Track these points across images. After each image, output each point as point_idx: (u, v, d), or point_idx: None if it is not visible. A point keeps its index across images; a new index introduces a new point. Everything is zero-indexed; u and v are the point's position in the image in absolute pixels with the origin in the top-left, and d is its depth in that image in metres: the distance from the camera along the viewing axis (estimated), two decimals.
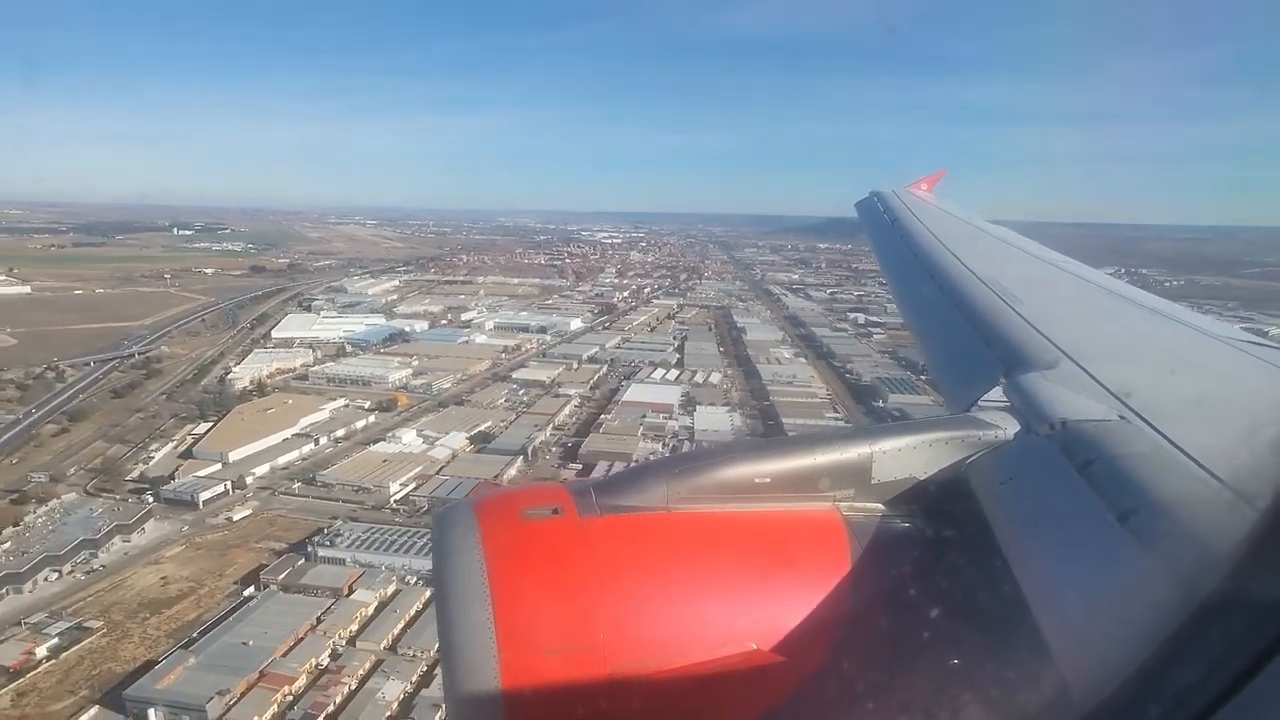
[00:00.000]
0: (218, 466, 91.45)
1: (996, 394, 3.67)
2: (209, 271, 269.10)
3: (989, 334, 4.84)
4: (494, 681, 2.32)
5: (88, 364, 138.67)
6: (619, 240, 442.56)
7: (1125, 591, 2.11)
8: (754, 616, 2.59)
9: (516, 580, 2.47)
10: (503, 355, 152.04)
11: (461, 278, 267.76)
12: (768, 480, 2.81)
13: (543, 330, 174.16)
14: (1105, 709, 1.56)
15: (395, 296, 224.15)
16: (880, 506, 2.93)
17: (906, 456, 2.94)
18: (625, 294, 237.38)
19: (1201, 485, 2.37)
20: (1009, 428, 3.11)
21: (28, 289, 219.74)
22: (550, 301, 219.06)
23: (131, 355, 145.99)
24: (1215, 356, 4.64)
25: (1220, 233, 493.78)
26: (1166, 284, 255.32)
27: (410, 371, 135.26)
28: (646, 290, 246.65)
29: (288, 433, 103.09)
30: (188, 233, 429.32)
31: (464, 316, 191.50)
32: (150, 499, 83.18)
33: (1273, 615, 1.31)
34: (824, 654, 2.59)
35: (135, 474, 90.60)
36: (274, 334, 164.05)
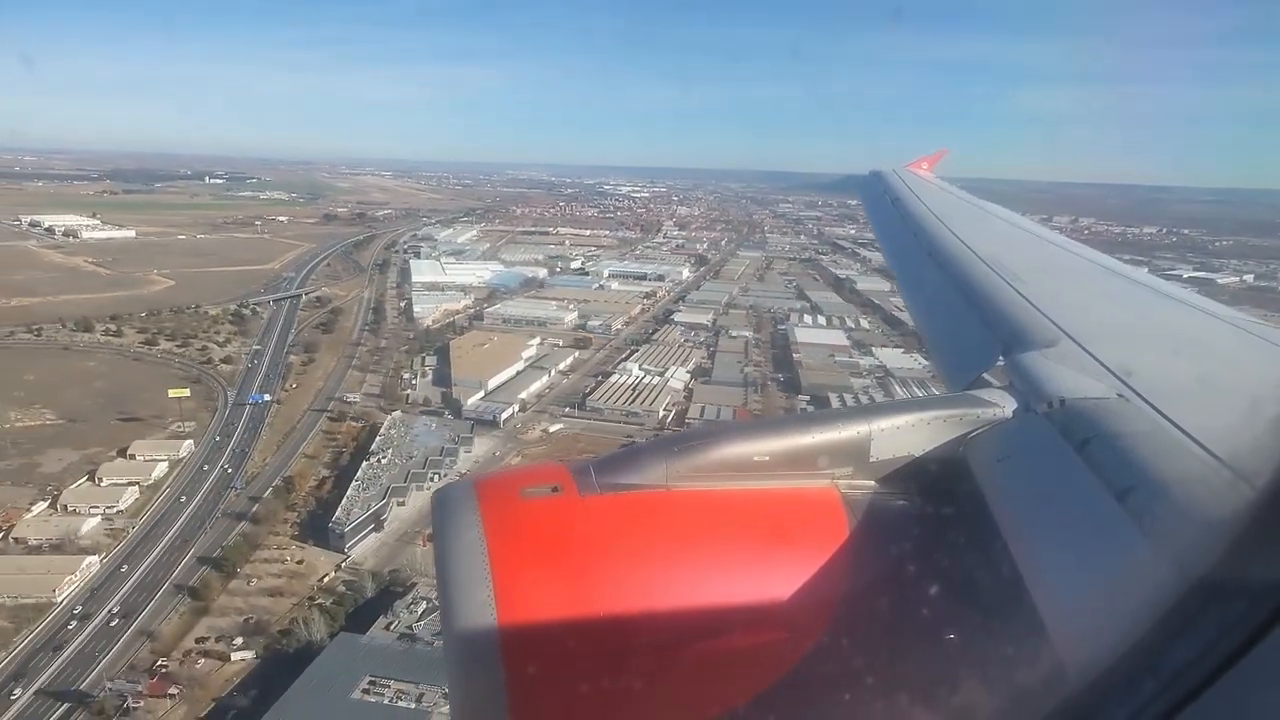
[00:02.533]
0: (481, 393, 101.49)
1: (996, 373, 3.78)
2: (284, 220, 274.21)
3: (989, 313, 4.87)
4: (496, 659, 2.34)
5: (269, 303, 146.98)
6: (646, 195, 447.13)
7: (1122, 569, 2.11)
8: (753, 593, 2.62)
9: (517, 559, 2.50)
10: (644, 300, 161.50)
11: (533, 229, 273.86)
12: (766, 458, 2.84)
13: (660, 278, 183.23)
14: (1101, 685, 1.56)
15: (487, 245, 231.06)
16: (878, 484, 2.98)
17: (904, 435, 3.00)
18: (704, 246, 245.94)
19: (1200, 464, 2.39)
20: (1007, 406, 3.16)
21: (132, 233, 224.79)
22: (638, 252, 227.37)
23: (299, 296, 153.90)
24: (1219, 337, 4.70)
25: (1241, 196, 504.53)
26: (1215, 244, 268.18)
27: (576, 314, 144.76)
28: (722, 243, 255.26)
29: (520, 365, 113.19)
30: (217, 181, 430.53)
31: (572, 265, 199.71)
32: (450, 417, 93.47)
33: (1269, 593, 1.31)
34: (822, 630, 2.64)
35: (410, 396, 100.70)
36: (414, 278, 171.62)
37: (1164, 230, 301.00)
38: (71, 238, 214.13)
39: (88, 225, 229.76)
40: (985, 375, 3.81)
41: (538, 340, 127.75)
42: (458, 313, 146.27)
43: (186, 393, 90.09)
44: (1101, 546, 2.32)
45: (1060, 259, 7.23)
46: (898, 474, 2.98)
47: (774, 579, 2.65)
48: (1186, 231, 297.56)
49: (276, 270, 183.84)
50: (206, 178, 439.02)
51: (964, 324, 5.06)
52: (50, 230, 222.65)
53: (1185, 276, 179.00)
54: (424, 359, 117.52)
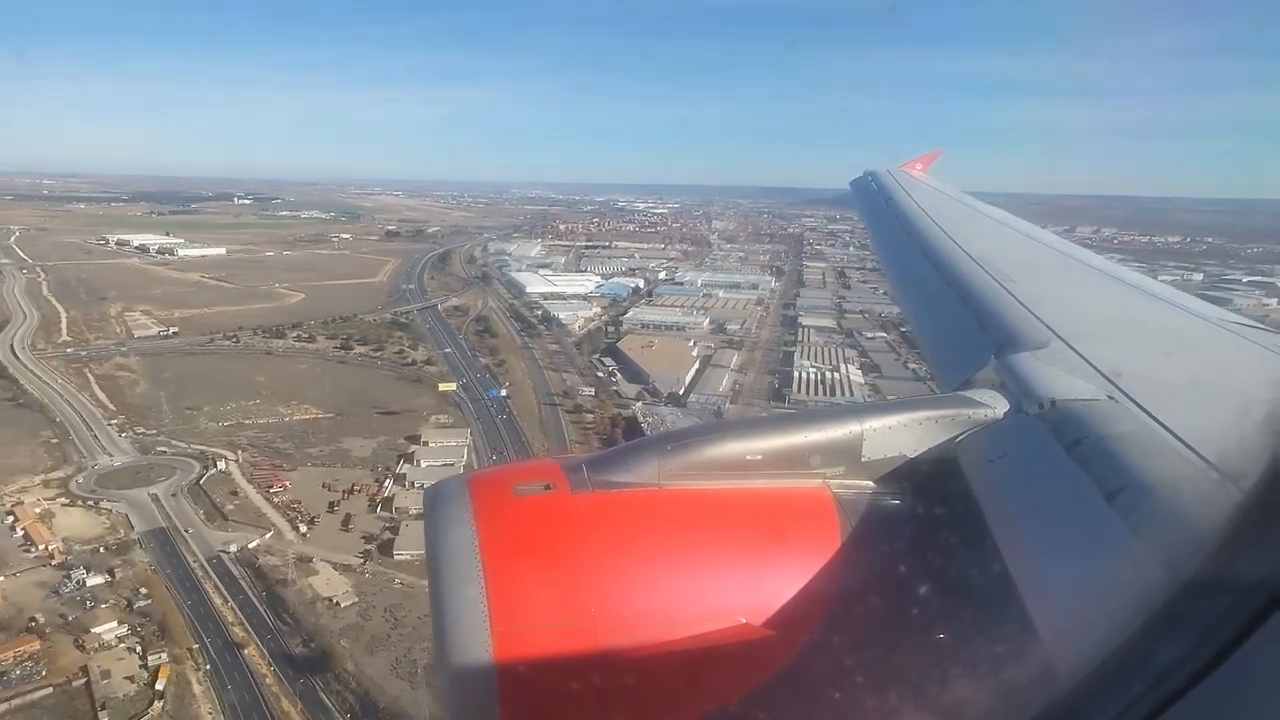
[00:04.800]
0: (681, 388, 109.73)
1: (987, 373, 3.80)
2: (347, 237, 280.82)
3: (981, 313, 4.92)
4: (486, 656, 2.35)
5: (412, 312, 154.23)
6: (665, 211, 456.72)
7: (1110, 569, 2.12)
8: (744, 592, 2.64)
9: (509, 556, 2.51)
10: (757, 307, 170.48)
11: (590, 243, 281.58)
12: (759, 457, 2.87)
13: (754, 287, 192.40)
14: (1090, 683, 1.57)
15: (561, 258, 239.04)
16: (870, 484, 2.99)
17: (896, 434, 3.02)
18: (765, 257, 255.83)
19: (1188, 465, 2.42)
20: (999, 407, 3.21)
21: (223, 251, 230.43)
22: (709, 263, 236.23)
23: (436, 305, 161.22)
24: (1207, 339, 4.76)
25: (1242, 205, 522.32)
26: (1246, 250, 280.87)
27: (707, 319, 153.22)
28: (781, 254, 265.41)
29: (696, 363, 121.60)
30: (245, 202, 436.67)
31: (660, 276, 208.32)
32: (676, 408, 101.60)
33: (1255, 593, 1.32)
34: (813, 629, 2.65)
35: (618, 391, 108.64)
36: (529, 289, 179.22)
37: (1188, 239, 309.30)
38: (168, 255, 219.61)
39: (176, 244, 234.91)
40: (977, 375, 3.88)
41: (692, 342, 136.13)
42: (593, 319, 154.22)
43: (454, 386, 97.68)
44: (1091, 546, 2.35)
45: (1050, 259, 7.31)
46: (890, 474, 3.04)
47: (766, 578, 2.70)
48: (1210, 240, 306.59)
49: (385, 283, 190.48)
50: (235, 198, 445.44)
51: (956, 324, 5.14)
52: (143, 249, 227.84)
53: (1245, 281, 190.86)
54: (599, 359, 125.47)
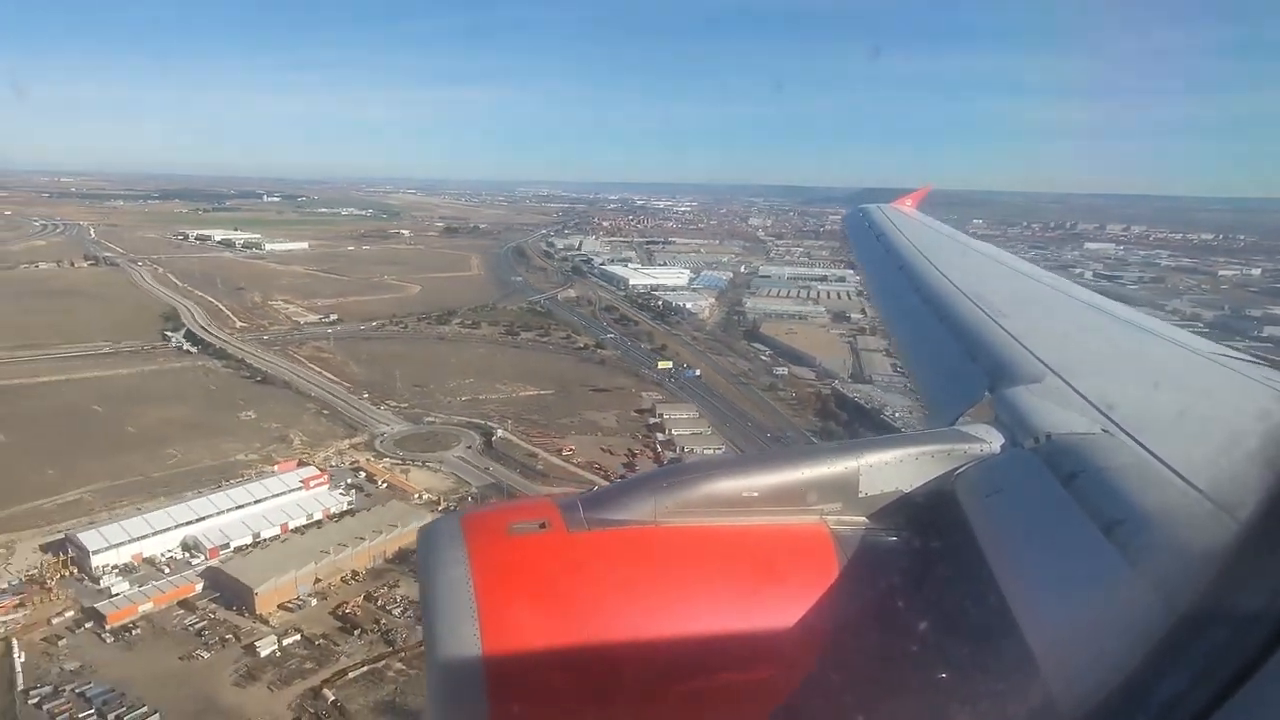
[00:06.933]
0: (848, 371, 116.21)
1: (982, 407, 3.84)
2: (408, 233, 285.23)
3: (974, 348, 4.98)
4: (481, 697, 2.32)
5: (541, 301, 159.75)
6: (689, 210, 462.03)
7: (1111, 603, 2.11)
8: (742, 630, 2.61)
9: (503, 595, 2.48)
10: (860, 298, 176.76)
11: (647, 239, 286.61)
12: (755, 494, 2.86)
13: (842, 279, 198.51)
14: (1091, 719, 1.55)
15: (631, 254, 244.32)
16: (867, 520, 2.99)
17: (893, 470, 3.02)
18: (826, 253, 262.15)
19: (1184, 497, 2.43)
20: (994, 441, 3.22)
21: (305, 245, 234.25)
22: (776, 257, 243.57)
23: (554, 297, 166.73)
24: (1197, 371, 4.83)
25: (1251, 204, 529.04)
26: None
27: (824, 309, 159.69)
28: (838, 248, 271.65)
29: (847, 349, 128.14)
30: (274, 200, 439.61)
31: (741, 269, 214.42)
32: (863, 385, 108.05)
33: (1256, 625, 1.31)
34: (812, 667, 2.62)
35: (790, 373, 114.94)
36: (631, 282, 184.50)
37: (1221, 236, 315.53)
38: (256, 249, 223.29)
39: (258, 239, 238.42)
40: (972, 409, 3.93)
41: (826, 329, 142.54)
42: (713, 309, 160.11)
43: (669, 365, 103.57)
44: (1090, 580, 2.35)
45: (1040, 293, 7.50)
46: (887, 509, 3.03)
47: (762, 617, 2.67)
48: (1243, 237, 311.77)
49: (481, 276, 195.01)
50: (263, 197, 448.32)
51: (950, 358, 5.21)
52: (229, 243, 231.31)
53: None
54: (749, 344, 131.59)
